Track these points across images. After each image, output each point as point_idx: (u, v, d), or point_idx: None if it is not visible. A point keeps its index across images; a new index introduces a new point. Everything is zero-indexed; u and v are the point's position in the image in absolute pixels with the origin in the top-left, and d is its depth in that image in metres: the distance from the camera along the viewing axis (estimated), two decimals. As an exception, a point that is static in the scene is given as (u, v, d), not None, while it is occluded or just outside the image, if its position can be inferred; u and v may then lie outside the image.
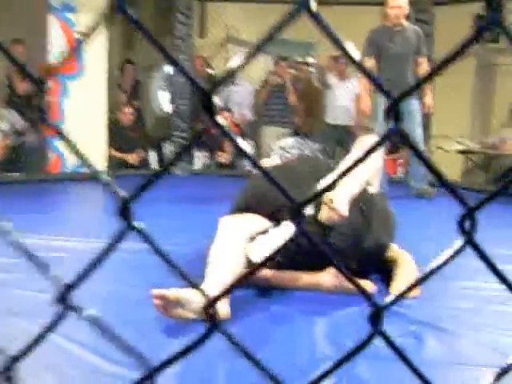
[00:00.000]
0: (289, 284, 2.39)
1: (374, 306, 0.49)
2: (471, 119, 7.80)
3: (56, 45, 6.17)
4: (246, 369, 0.53)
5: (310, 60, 8.19)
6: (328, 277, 2.39)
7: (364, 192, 2.45)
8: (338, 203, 2.15)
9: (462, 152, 7.54)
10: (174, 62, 0.48)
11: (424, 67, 5.57)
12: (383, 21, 5.71)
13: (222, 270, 2.13)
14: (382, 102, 5.40)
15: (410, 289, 0.53)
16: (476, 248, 0.46)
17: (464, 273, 2.81)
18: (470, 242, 0.46)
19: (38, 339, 0.53)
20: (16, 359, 0.53)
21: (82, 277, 0.51)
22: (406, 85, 5.45)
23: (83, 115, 6.10)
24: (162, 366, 0.52)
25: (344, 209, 2.16)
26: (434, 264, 0.49)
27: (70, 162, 6.38)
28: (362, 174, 2.40)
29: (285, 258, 2.37)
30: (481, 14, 6.85)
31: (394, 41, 5.48)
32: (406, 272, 2.53)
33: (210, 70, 7.95)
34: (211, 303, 0.49)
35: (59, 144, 6.30)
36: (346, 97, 7.20)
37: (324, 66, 7.67)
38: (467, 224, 0.46)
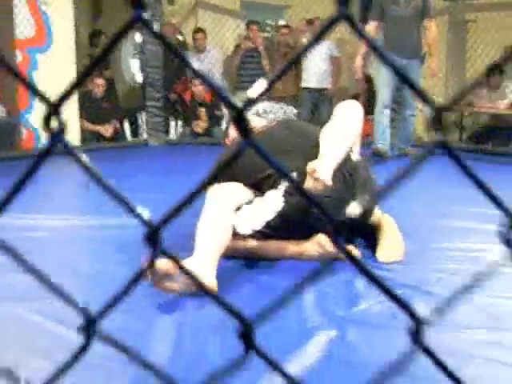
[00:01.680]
0: (274, 254, 2.38)
1: (416, 321, 0.46)
2: (445, 77, 7.80)
3: (22, 18, 6.01)
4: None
5: (282, 23, 8.11)
6: (313, 246, 2.38)
7: (347, 159, 2.43)
8: (322, 172, 2.13)
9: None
10: (206, 81, 0.44)
11: (433, 31, 5.54)
12: None
13: (210, 243, 2.11)
14: (383, 69, 5.41)
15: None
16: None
17: (448, 234, 2.83)
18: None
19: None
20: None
21: (108, 307, 0.47)
22: (411, 47, 5.47)
23: (53, 88, 5.94)
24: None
25: (328, 178, 2.13)
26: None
27: (43, 137, 6.27)
28: (344, 141, 2.38)
29: (269, 228, 2.36)
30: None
31: (398, 2, 5.43)
32: (389, 237, 2.54)
33: (180, 37, 7.82)
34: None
35: (31, 119, 6.18)
36: (321, 59, 7.15)
37: (297, 28, 7.60)
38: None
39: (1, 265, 2.35)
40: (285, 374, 0.49)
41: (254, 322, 0.46)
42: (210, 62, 7.50)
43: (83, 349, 0.49)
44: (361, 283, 2.14)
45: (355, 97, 7.59)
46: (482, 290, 2.06)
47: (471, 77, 7.59)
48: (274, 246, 2.39)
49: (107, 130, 6.90)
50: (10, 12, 5.97)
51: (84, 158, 0.44)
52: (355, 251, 2.41)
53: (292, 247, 2.39)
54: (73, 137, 6.41)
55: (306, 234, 2.40)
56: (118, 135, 7.16)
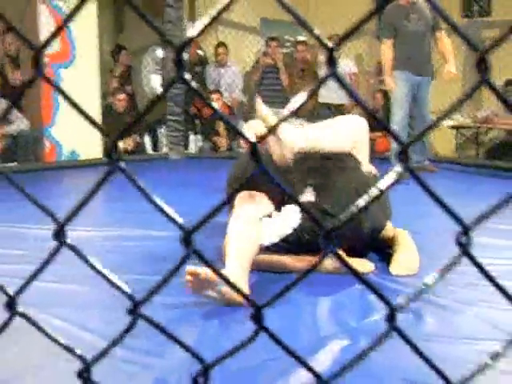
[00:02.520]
0: (290, 267, 2.45)
1: (389, 308, 0.56)
2: (462, 94, 7.83)
3: (47, 33, 6.16)
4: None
5: (301, 39, 8.21)
6: (329, 259, 2.45)
7: (359, 173, 2.52)
8: (287, 138, 2.28)
9: (454, 127, 7.61)
10: (218, 114, 0.53)
11: (444, 40, 5.59)
12: None
13: (242, 254, 2.20)
14: (400, 87, 5.48)
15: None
16: (472, 259, 0.54)
17: (454, 249, 2.89)
18: (467, 253, 0.54)
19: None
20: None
21: (151, 294, 0.56)
22: (425, 62, 5.54)
23: (77, 102, 6.09)
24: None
25: (294, 144, 2.30)
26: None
27: (66, 150, 6.42)
28: (328, 132, 2.50)
29: (286, 242, 2.45)
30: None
31: (409, 18, 5.46)
32: (404, 250, 2.60)
33: (200, 52, 7.97)
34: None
35: (54, 132, 6.33)
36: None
37: (316, 45, 7.69)
38: (464, 238, 0.53)
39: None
40: (294, 356, 0.57)
41: (263, 305, 0.55)
42: (230, 77, 7.63)
43: (129, 329, 0.58)
44: (374, 296, 2.21)
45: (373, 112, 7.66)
46: (487, 303, 2.13)
47: (488, 93, 7.61)
48: (289, 258, 2.45)
49: (128, 143, 7.03)
50: (35, 27, 6.13)
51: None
52: (368, 264, 2.49)
53: (307, 260, 2.46)
54: (95, 150, 6.55)
55: (319, 249, 2.47)
56: (139, 149, 7.29)
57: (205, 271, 1.95)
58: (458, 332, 1.86)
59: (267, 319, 1.77)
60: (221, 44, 7.78)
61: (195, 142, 7.76)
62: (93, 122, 0.53)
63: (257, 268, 2.35)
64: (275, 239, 2.41)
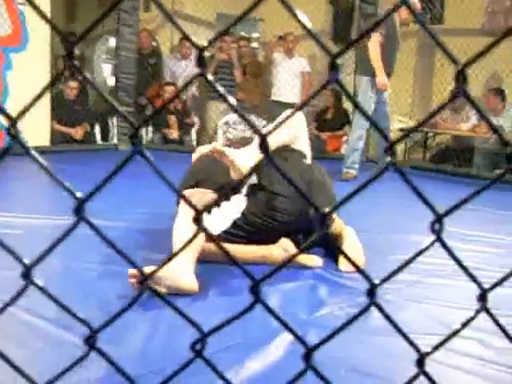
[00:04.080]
0: (242, 257, 2.46)
1: (370, 283, 0.58)
2: (412, 98, 8.02)
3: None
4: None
5: (255, 36, 8.24)
6: (277, 250, 2.50)
7: (301, 162, 2.63)
8: (237, 161, 2.35)
9: (403, 130, 7.77)
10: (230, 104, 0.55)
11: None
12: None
13: (187, 246, 2.21)
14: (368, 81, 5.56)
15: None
16: (444, 246, 0.57)
17: (403, 247, 2.97)
18: (440, 240, 0.56)
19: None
20: None
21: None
22: (394, 65, 5.72)
23: (26, 88, 5.98)
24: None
25: (243, 165, 2.34)
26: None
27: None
28: (271, 139, 2.56)
29: (236, 228, 2.52)
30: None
31: (394, 20, 5.56)
32: (350, 247, 2.66)
33: (154, 43, 7.92)
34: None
35: (2, 118, 6.18)
36: (291, 74, 7.31)
37: (270, 42, 7.75)
38: (437, 226, 0.56)
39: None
40: (288, 328, 0.60)
41: (260, 280, 0.59)
42: (191, 71, 7.61)
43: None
44: (323, 290, 2.27)
45: (324, 111, 7.76)
46: (434, 300, 2.21)
47: (437, 99, 7.81)
48: (241, 249, 2.49)
49: (77, 132, 6.93)
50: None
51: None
52: (316, 259, 2.54)
53: (258, 251, 2.50)
54: (42, 138, 6.43)
55: (273, 238, 2.52)
56: (88, 138, 7.19)
57: (148, 270, 1.96)
58: (403, 327, 1.90)
59: (221, 310, 1.79)
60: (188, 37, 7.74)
61: (146, 133, 7.71)
62: (124, 116, 0.54)
63: (205, 258, 2.37)
64: (225, 226, 2.47)
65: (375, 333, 1.83)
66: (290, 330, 0.62)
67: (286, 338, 1.76)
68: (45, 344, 1.67)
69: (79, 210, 0.55)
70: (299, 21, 0.50)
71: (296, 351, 1.68)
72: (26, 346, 1.66)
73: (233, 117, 3.03)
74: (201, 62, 0.51)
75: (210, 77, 0.51)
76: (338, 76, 0.52)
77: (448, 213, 0.57)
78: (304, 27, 0.50)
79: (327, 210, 0.56)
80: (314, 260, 2.54)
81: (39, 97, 0.52)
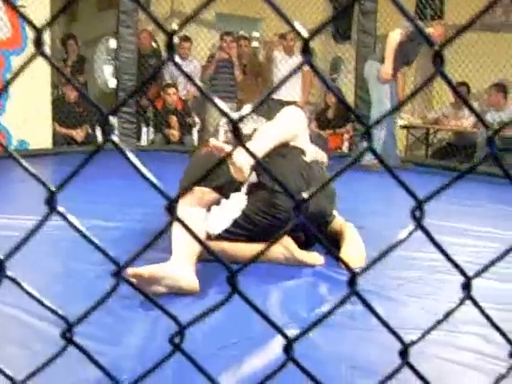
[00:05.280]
0: (243, 255, 2.45)
1: (350, 272, 0.58)
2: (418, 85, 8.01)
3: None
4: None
5: (256, 35, 8.23)
6: (279, 248, 2.49)
7: (300, 159, 2.61)
8: (238, 160, 2.27)
9: (405, 127, 7.76)
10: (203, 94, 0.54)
11: None
12: None
13: (186, 246, 2.20)
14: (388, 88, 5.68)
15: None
16: (426, 232, 0.57)
17: (406, 244, 2.96)
18: (420, 227, 0.56)
19: None
20: None
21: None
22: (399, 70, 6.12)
23: (27, 90, 6.00)
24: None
25: (243, 166, 2.28)
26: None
27: (15, 138, 6.29)
28: (270, 135, 2.54)
29: (238, 227, 2.51)
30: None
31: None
32: (351, 243, 2.65)
33: (154, 44, 7.91)
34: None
35: (3, 121, 6.19)
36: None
37: (270, 41, 7.74)
38: (418, 212, 0.56)
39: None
40: (264, 317, 0.59)
41: (237, 270, 0.60)
42: (192, 71, 7.60)
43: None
44: (324, 287, 2.26)
45: (325, 110, 7.76)
46: (431, 296, 2.20)
47: (438, 95, 7.80)
48: (242, 247, 2.48)
49: (79, 133, 6.93)
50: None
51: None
52: (317, 257, 2.53)
53: (257, 249, 2.49)
54: (44, 139, 6.44)
55: (274, 236, 2.50)
56: (90, 140, 7.19)
57: (148, 270, 1.97)
58: (403, 323, 1.90)
59: (221, 309, 1.79)
60: (186, 38, 7.73)
61: (147, 134, 7.71)
62: (93, 104, 0.53)
63: (205, 257, 2.36)
64: (226, 224, 2.46)
65: (376, 329, 1.81)
66: (270, 322, 0.61)
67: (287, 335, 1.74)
68: (45, 345, 1.66)
69: (50, 202, 0.54)
70: (273, 6, 0.49)
71: (296, 349, 1.68)
72: (26, 347, 1.66)
73: (233, 116, 3.02)
74: (170, 46, 0.51)
75: (177, 59, 0.51)
76: (310, 59, 0.52)
77: (428, 199, 0.56)
78: (278, 11, 0.49)
79: (305, 195, 0.56)
80: (315, 258, 2.53)
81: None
